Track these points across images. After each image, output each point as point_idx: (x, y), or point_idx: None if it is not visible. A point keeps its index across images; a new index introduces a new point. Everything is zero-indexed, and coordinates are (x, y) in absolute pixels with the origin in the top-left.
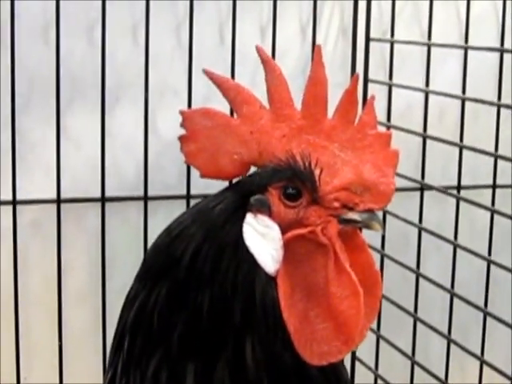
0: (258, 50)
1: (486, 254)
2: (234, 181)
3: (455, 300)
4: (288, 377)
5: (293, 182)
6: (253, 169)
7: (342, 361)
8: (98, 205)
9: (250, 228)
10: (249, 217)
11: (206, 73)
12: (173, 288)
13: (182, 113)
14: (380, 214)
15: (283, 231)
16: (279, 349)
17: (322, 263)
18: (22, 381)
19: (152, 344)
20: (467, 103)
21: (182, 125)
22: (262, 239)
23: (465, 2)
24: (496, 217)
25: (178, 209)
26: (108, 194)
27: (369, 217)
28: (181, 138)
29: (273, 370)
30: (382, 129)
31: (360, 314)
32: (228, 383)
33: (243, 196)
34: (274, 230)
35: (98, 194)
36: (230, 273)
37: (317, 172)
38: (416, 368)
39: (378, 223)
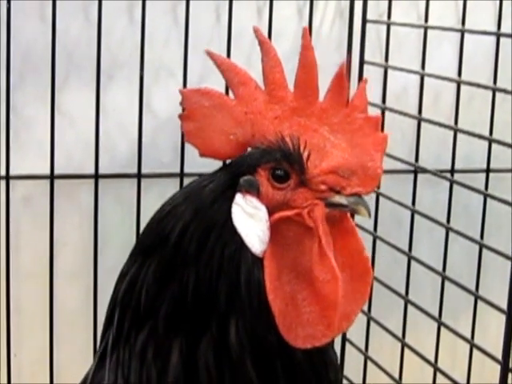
0: (256, 31)
1: (478, 237)
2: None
3: (446, 283)
4: (272, 358)
5: (281, 164)
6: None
7: (332, 343)
8: (92, 181)
9: (239, 208)
10: (238, 197)
11: (207, 53)
12: (161, 265)
13: (181, 92)
14: (373, 195)
15: (271, 213)
16: (263, 330)
17: (308, 246)
18: (12, 357)
19: (140, 320)
20: (463, 87)
21: (181, 104)
22: (250, 220)
23: None
24: (489, 201)
25: (172, 187)
26: (101, 171)
27: (355, 201)
28: (180, 117)
29: (256, 351)
30: (376, 111)
31: (337, 300)
32: (212, 362)
33: (234, 176)
34: (262, 211)
35: (92, 171)
36: (216, 252)
37: (305, 154)
38: (406, 350)
39: (364, 208)
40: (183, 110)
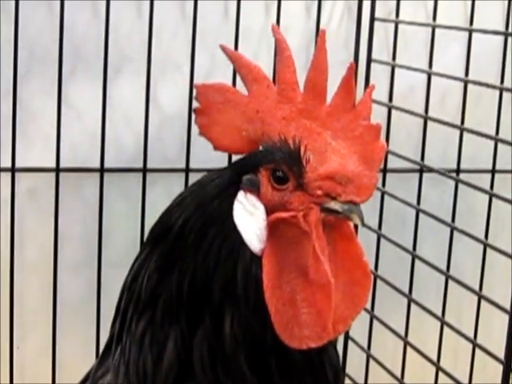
0: (273, 30)
1: (482, 237)
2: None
3: (450, 282)
4: (266, 356)
5: (281, 166)
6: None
7: (335, 343)
8: (97, 175)
9: (240, 206)
10: (240, 195)
11: (222, 48)
12: (162, 254)
13: (196, 87)
14: (378, 194)
15: (269, 213)
16: (258, 327)
17: (307, 248)
18: (14, 350)
19: (142, 307)
20: (470, 86)
21: (196, 98)
22: (250, 218)
23: None
24: (494, 201)
25: (177, 182)
26: (107, 165)
27: (349, 209)
28: (195, 111)
29: (250, 347)
30: (383, 109)
31: (329, 305)
32: (206, 353)
33: (238, 174)
34: (260, 210)
35: (97, 165)
36: (215, 246)
37: (305, 158)
38: (408, 349)
39: (357, 216)
40: (200, 104)
